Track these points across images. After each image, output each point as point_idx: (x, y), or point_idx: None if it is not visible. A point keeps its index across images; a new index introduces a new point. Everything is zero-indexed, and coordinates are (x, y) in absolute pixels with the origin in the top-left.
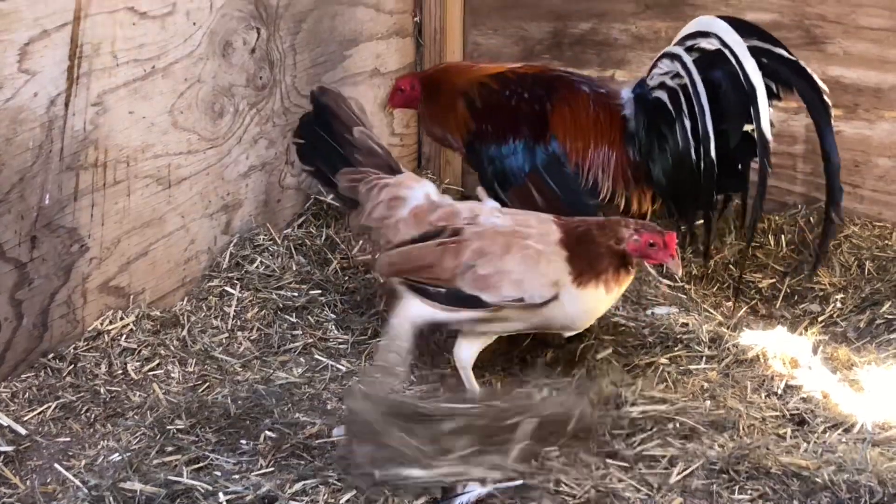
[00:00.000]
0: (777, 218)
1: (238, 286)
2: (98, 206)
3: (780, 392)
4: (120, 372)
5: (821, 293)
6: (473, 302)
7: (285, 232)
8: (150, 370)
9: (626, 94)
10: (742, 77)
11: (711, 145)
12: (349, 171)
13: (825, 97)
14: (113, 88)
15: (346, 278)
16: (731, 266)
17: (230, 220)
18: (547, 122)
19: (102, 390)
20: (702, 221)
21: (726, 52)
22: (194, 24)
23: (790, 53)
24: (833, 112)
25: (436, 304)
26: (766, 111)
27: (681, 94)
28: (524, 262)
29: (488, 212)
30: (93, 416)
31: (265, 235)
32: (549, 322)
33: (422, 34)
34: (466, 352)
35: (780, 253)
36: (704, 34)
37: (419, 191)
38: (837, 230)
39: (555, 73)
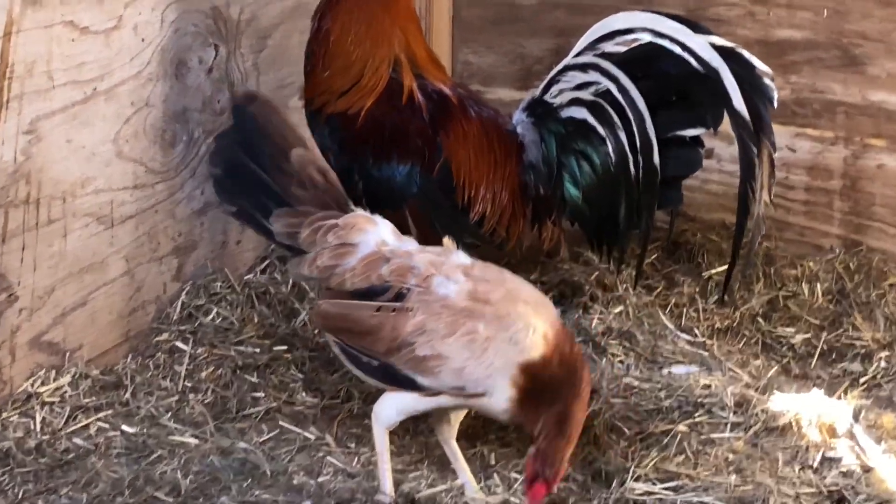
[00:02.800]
0: (811, 264)
1: (191, 341)
2: (30, 248)
3: (816, 465)
4: (53, 441)
5: (862, 350)
6: (408, 383)
7: (246, 278)
8: (87, 439)
9: (519, 118)
10: (697, 63)
11: (654, 153)
12: (286, 214)
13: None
14: (48, 114)
15: (316, 332)
16: (759, 319)
17: (182, 265)
18: (439, 147)
19: (32, 462)
20: (725, 267)
21: (664, 42)
22: (143, 40)
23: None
24: (868, 140)
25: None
26: (737, 95)
27: (607, 106)
28: (468, 348)
29: (450, 271)
30: (21, 493)
31: (222, 282)
32: (491, 412)
33: None
34: (392, 412)
35: (816, 304)
36: (624, 32)
37: (373, 235)
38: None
39: (453, 89)
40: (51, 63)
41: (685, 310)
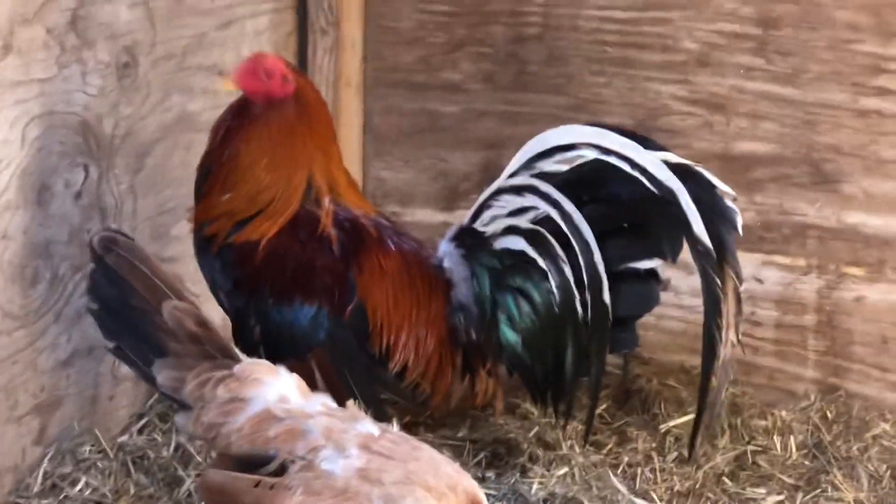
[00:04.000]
0: (784, 413)
1: None
2: None
3: None
4: None
5: None
6: None
7: (120, 440)
8: None
9: (445, 250)
10: (650, 184)
11: (604, 290)
12: (168, 366)
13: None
14: None
15: None
16: (725, 478)
17: (45, 426)
18: (352, 285)
19: None
20: (691, 417)
21: (611, 159)
22: (0, 161)
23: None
24: (844, 269)
25: None
26: (697, 220)
27: (547, 235)
28: None
29: (346, 441)
30: None
31: (92, 446)
32: None
33: None
34: None
35: (789, 460)
36: (564, 148)
37: (272, 389)
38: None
39: (368, 218)
40: None
41: (640, 470)
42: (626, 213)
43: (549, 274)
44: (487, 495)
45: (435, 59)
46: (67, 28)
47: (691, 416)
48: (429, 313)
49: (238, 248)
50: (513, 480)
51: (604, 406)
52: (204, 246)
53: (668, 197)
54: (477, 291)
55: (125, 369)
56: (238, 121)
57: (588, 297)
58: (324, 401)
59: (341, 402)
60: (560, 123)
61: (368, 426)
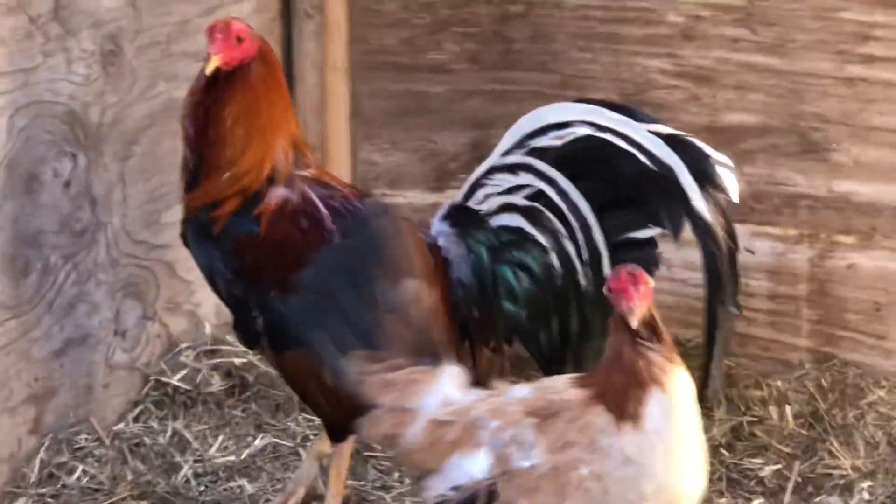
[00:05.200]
0: (779, 383)
1: None
2: None
3: None
4: None
5: (842, 481)
6: None
7: (116, 428)
8: None
9: (439, 228)
10: (647, 159)
11: (604, 262)
12: (365, 357)
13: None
14: None
15: (203, 489)
16: (721, 450)
17: (40, 415)
18: None
19: None
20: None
21: (606, 136)
22: None
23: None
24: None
25: None
26: (696, 194)
27: (545, 211)
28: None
29: (518, 432)
30: None
31: (88, 434)
32: None
33: None
34: None
35: (786, 430)
36: (558, 126)
37: (434, 394)
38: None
39: (359, 198)
40: None
41: None
42: (623, 188)
43: (547, 249)
44: None
45: (420, 40)
46: (51, 17)
47: None
48: (433, 293)
49: (239, 237)
50: None
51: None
52: (202, 232)
53: (666, 173)
54: (476, 268)
55: (120, 357)
56: (215, 95)
57: (589, 269)
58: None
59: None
60: (547, 101)
61: (517, 391)
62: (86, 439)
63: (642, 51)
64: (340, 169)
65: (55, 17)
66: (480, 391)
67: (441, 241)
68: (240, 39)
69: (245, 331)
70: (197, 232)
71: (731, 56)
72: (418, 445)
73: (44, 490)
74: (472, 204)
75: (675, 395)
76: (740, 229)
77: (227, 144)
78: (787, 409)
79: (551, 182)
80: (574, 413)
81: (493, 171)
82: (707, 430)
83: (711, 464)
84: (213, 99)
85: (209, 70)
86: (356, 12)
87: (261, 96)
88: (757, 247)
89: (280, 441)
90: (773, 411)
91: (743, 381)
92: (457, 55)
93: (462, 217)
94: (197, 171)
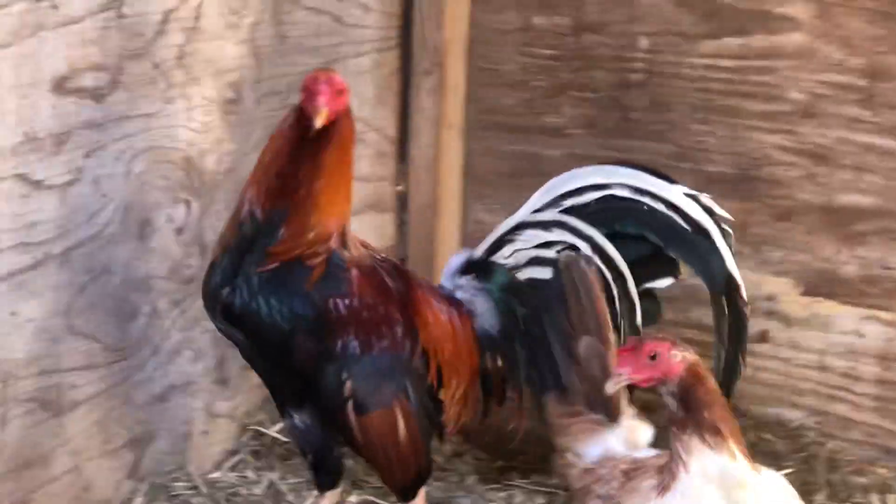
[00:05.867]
0: (883, 470)
1: None
2: None
3: None
4: None
5: None
6: None
7: (212, 476)
8: None
9: (457, 282)
10: (684, 222)
11: (637, 314)
12: (558, 400)
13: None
14: None
15: None
16: None
17: (138, 460)
18: (414, 326)
19: None
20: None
21: (644, 198)
22: (104, 195)
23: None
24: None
25: None
26: (730, 256)
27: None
28: None
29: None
30: None
31: (185, 481)
32: None
33: (406, 208)
34: None
35: None
36: (596, 188)
37: (601, 443)
38: None
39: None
40: None
41: None
42: (657, 246)
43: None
44: None
45: (537, 102)
46: (175, 63)
47: (788, 471)
48: (467, 347)
49: (331, 295)
50: None
51: None
52: (286, 287)
53: (701, 234)
54: (503, 321)
55: (221, 406)
56: (309, 149)
57: (623, 323)
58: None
59: (420, 448)
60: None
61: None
62: (182, 486)
63: (761, 126)
64: (450, 226)
65: (179, 64)
66: (651, 450)
67: (459, 295)
68: (340, 93)
69: (327, 396)
70: (279, 285)
71: (850, 136)
72: (615, 489)
73: None
74: (497, 258)
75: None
76: (850, 312)
77: (319, 198)
78: (890, 498)
79: (587, 238)
80: (639, 473)
81: (522, 226)
82: None
83: None
84: (308, 153)
85: (320, 123)
86: (475, 71)
87: (349, 152)
88: (866, 331)
89: (374, 499)
90: (876, 499)
91: (845, 467)
92: (573, 119)
93: (484, 271)
94: (273, 223)
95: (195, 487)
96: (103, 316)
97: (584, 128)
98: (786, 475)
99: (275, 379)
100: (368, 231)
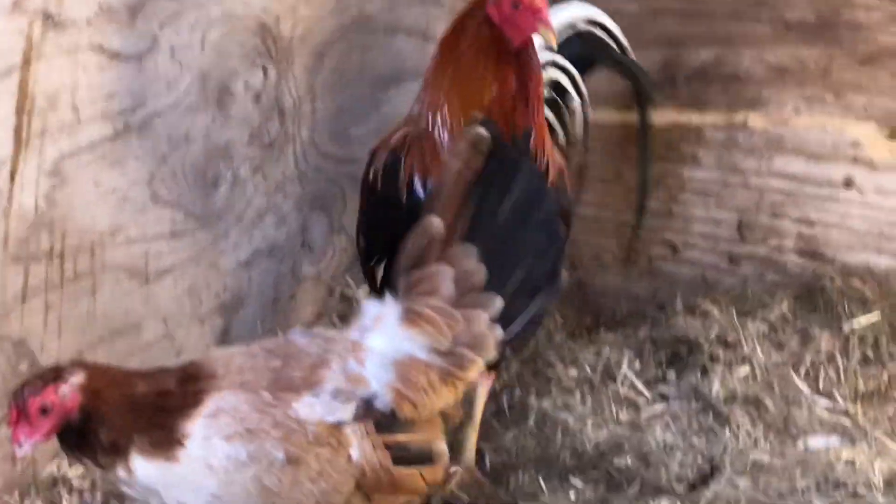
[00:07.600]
0: None
1: None
2: (54, 308)
3: None
4: None
5: None
6: None
7: None
8: None
9: None
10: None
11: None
12: None
13: None
14: (74, 152)
15: None
16: None
17: (228, 325)
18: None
19: None
20: None
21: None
22: (181, 64)
23: None
24: None
25: None
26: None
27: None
28: None
29: None
30: None
31: None
32: None
33: None
34: None
35: None
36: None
37: None
38: None
39: None
40: (76, 94)
41: (823, 370)
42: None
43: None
44: (667, 395)
45: None
46: None
47: (876, 317)
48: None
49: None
50: (693, 380)
51: (785, 304)
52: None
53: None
54: None
55: (307, 269)
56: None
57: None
58: None
59: None
60: (740, 20)
61: None
62: None
63: None
64: None
65: None
66: None
67: None
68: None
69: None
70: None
71: None
72: None
73: None
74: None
75: None
76: None
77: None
78: None
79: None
80: None
81: None
82: None
83: None
84: (518, 65)
85: (556, 42)
86: None
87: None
88: None
89: None
90: None
91: None
92: None
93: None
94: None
95: None
96: (186, 184)
97: None
98: (873, 322)
99: None
100: None
